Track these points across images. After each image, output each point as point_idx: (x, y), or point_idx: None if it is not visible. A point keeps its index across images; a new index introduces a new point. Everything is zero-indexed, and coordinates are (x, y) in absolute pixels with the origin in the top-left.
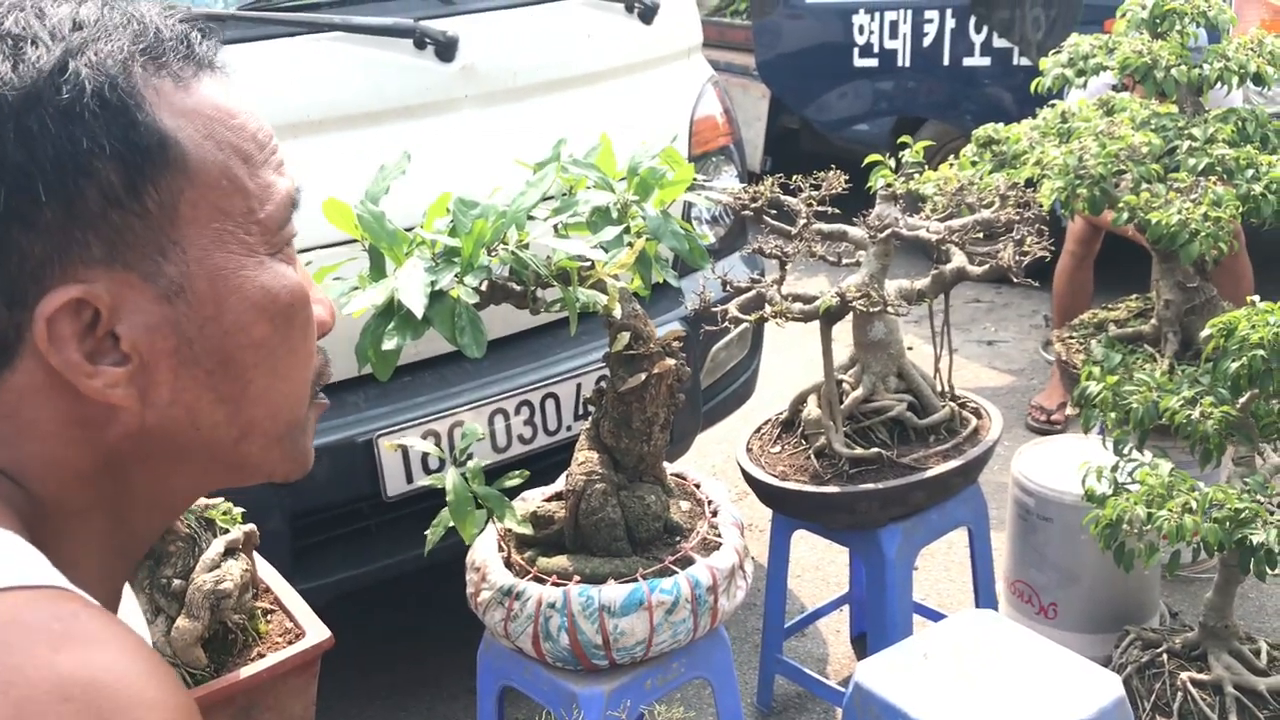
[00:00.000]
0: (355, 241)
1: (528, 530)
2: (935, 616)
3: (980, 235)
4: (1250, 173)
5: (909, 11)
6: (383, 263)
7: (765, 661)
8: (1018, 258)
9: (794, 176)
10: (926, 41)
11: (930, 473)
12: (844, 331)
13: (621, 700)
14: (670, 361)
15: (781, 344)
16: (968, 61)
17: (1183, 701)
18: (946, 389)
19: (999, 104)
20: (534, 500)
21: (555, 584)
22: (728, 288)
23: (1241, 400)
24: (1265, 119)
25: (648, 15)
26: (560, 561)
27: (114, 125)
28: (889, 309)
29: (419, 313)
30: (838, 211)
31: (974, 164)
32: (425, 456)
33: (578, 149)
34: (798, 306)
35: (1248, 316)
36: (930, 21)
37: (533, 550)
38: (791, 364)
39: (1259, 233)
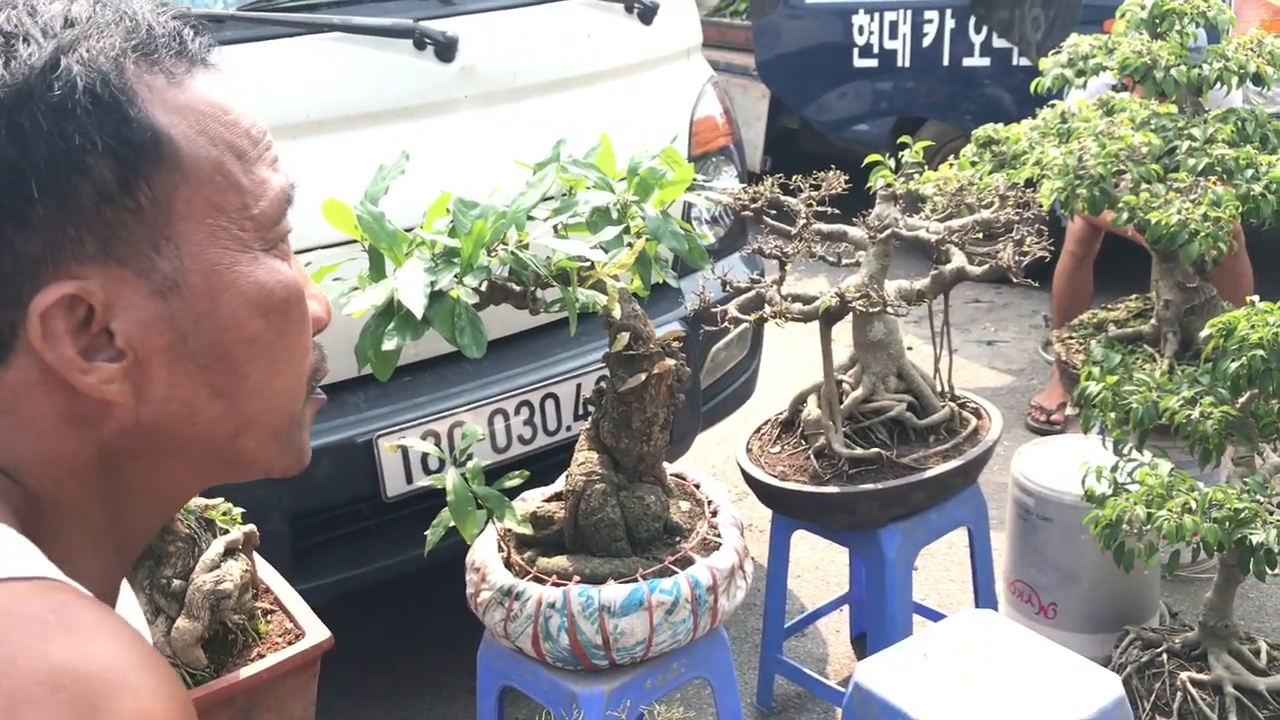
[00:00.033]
0: (355, 242)
1: (528, 530)
2: (935, 616)
3: (980, 235)
4: (1250, 173)
5: (909, 12)
6: (382, 263)
7: (765, 661)
8: (1017, 258)
9: (794, 177)
10: (926, 42)
11: (930, 473)
12: (844, 331)
13: (621, 700)
14: (670, 362)
15: (781, 344)
16: (967, 62)
17: (1182, 701)
18: (946, 389)
19: (999, 104)
20: (534, 500)
21: (555, 584)
22: (727, 288)
23: (1241, 400)
24: (1265, 119)
25: (647, 15)
26: (560, 562)
27: (106, 121)
28: (889, 309)
29: (419, 313)
30: (837, 212)
31: (974, 164)
32: (425, 457)
33: (577, 149)
34: (797, 307)
35: (1247, 316)
36: (930, 22)
37: (532, 550)
38: (791, 364)
39: (1259, 233)
